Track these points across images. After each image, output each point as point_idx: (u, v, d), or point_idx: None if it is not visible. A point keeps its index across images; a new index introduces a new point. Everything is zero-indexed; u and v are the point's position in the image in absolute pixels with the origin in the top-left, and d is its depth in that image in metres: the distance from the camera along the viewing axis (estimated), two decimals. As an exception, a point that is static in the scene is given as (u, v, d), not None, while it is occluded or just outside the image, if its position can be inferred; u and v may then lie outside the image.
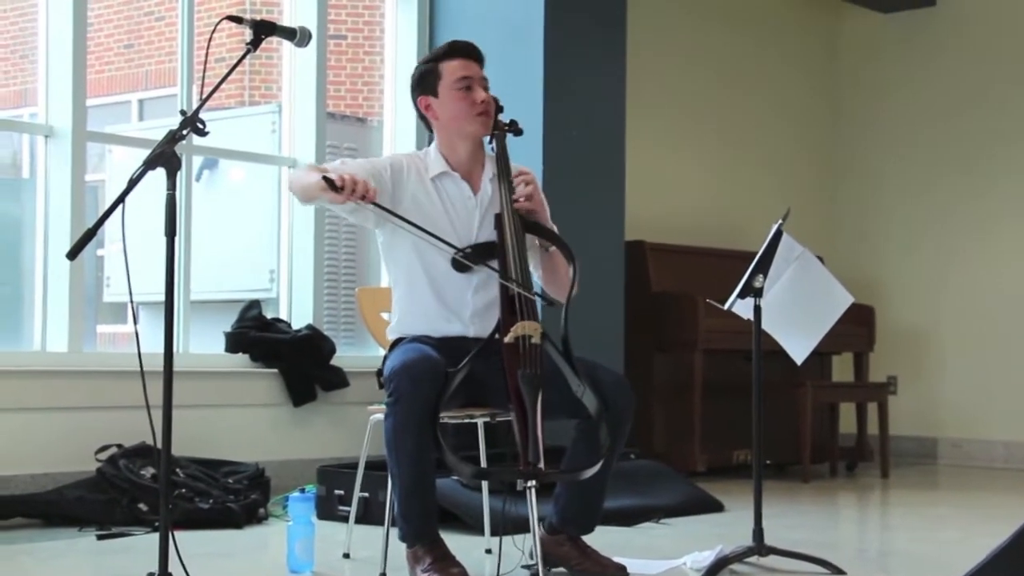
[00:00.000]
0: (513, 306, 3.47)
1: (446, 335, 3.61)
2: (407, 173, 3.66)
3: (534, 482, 3.18)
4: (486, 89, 3.68)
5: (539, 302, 3.49)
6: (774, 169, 7.95)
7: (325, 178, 3.34)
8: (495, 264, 3.52)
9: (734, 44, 7.74)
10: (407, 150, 6.11)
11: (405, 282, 3.68)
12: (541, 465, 3.19)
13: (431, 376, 3.35)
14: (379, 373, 3.63)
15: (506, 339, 3.41)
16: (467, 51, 3.71)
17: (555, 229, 3.71)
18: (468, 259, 3.52)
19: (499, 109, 3.71)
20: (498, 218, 3.61)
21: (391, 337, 3.72)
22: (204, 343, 5.63)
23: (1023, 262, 7.62)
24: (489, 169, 3.71)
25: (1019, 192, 7.65)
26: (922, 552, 4.48)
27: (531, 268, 3.75)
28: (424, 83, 3.70)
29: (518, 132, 3.74)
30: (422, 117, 3.76)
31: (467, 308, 3.64)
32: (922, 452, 7.83)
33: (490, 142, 3.71)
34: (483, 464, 4.06)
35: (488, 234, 3.62)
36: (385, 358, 3.63)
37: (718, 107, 7.63)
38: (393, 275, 3.74)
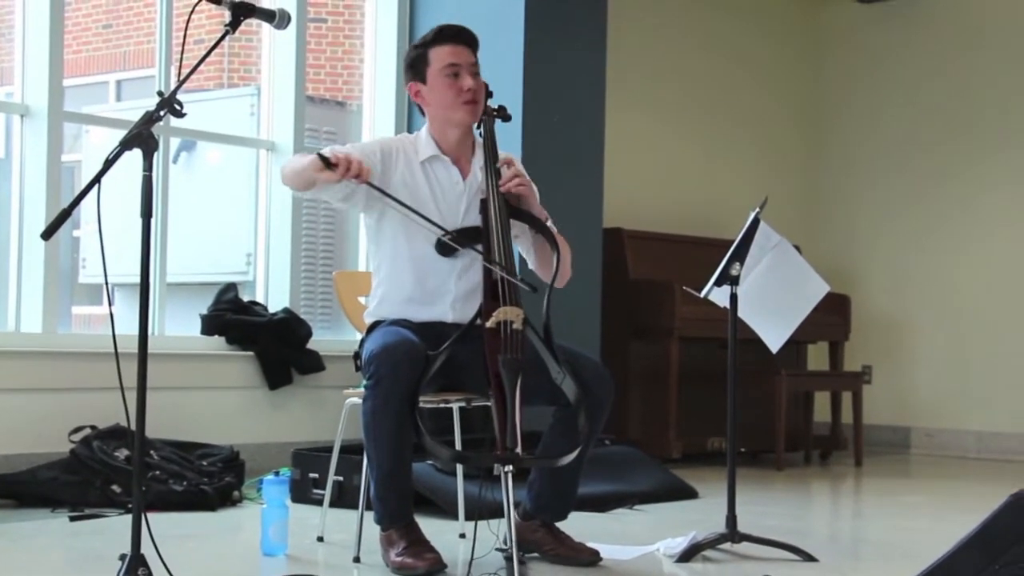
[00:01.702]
0: (496, 291, 3.47)
1: (426, 320, 3.61)
2: (396, 156, 3.65)
3: (511, 467, 3.19)
4: (475, 75, 3.64)
5: (522, 288, 3.49)
6: (752, 158, 7.96)
7: (320, 155, 3.34)
8: (480, 247, 3.52)
9: (716, 33, 7.74)
10: (386, 134, 6.12)
11: (389, 265, 3.67)
12: (519, 451, 3.20)
13: (411, 359, 3.35)
14: (356, 356, 3.62)
15: (488, 324, 3.41)
16: (456, 36, 3.67)
17: (545, 214, 3.71)
18: (453, 241, 3.51)
19: (488, 94, 3.70)
20: (483, 203, 3.60)
21: (369, 320, 3.71)
22: (180, 325, 5.61)
23: (999, 252, 7.66)
24: (479, 155, 3.70)
25: (995, 182, 7.69)
26: (894, 540, 4.51)
27: (523, 252, 3.76)
28: (414, 69, 3.68)
29: (506, 118, 3.73)
30: (415, 103, 3.75)
31: (450, 293, 3.64)
32: (896, 441, 7.88)
33: (477, 127, 3.70)
34: (458, 448, 4.06)
35: (474, 219, 3.61)
36: (362, 341, 3.63)
37: (699, 96, 7.64)
38: (376, 258, 3.73)
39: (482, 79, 3.67)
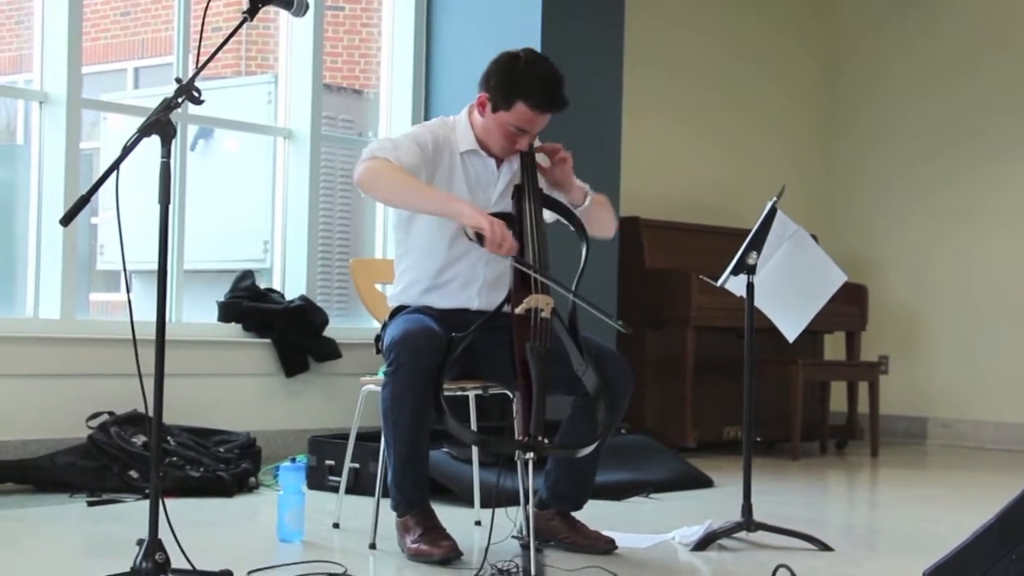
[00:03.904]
0: (527, 278, 3.46)
1: (450, 307, 3.62)
2: (443, 148, 3.62)
3: (532, 454, 3.19)
4: (535, 138, 3.60)
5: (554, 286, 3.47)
6: (769, 148, 7.94)
7: (477, 233, 3.34)
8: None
9: (732, 21, 7.71)
10: (403, 122, 6.12)
11: (419, 252, 3.66)
12: (541, 438, 3.20)
13: (431, 347, 3.36)
14: (377, 339, 3.63)
15: (517, 310, 3.41)
16: (550, 103, 3.54)
17: (585, 187, 3.70)
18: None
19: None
20: (518, 189, 3.58)
21: (392, 305, 3.71)
22: (197, 312, 5.63)
23: (1017, 245, 7.63)
24: (516, 158, 3.66)
25: (1014, 176, 7.65)
26: (910, 530, 4.50)
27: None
28: (496, 91, 3.54)
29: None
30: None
31: (477, 281, 3.64)
32: (912, 432, 7.86)
33: None
34: (473, 437, 4.05)
35: (505, 205, 3.60)
36: (384, 325, 3.64)
37: (716, 85, 7.62)
38: (404, 245, 3.70)
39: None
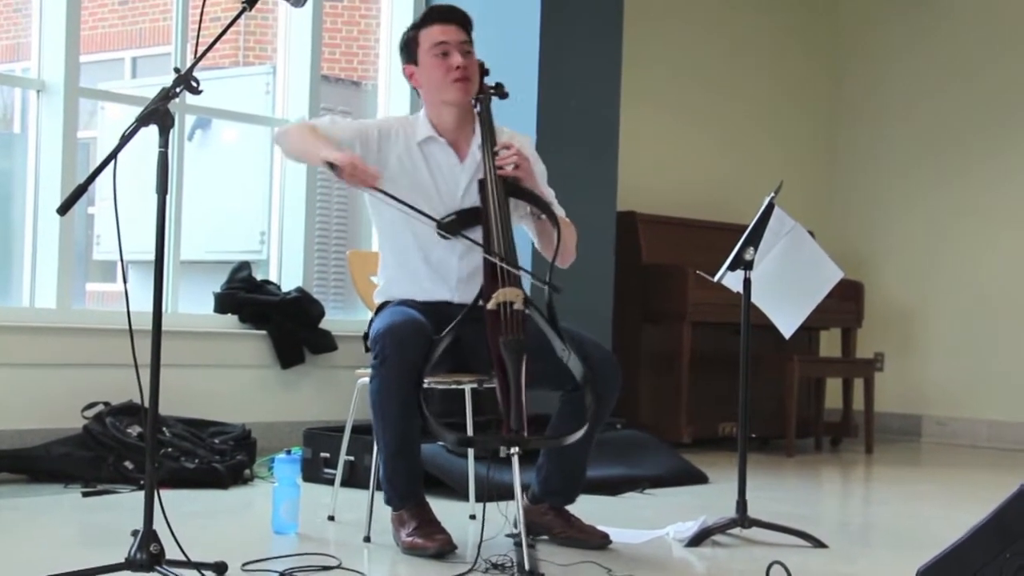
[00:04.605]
0: (495, 273, 3.46)
1: (432, 299, 3.62)
2: (395, 137, 3.65)
3: (517, 449, 3.18)
4: (467, 54, 3.62)
5: (521, 274, 3.47)
6: (767, 143, 7.94)
7: (328, 162, 3.35)
8: (478, 237, 3.50)
9: (731, 16, 7.71)
10: (401, 114, 6.11)
11: (393, 246, 3.69)
12: (524, 432, 3.20)
13: (416, 339, 3.36)
14: (366, 336, 3.63)
15: (488, 305, 3.41)
16: (446, 16, 3.67)
17: (551, 194, 3.70)
18: (449, 231, 3.50)
19: (484, 72, 3.68)
20: (481, 184, 3.58)
21: (378, 300, 3.73)
22: (193, 303, 5.62)
23: (1015, 242, 7.63)
24: (479, 135, 3.69)
25: (1012, 173, 7.65)
26: (904, 527, 4.51)
27: (528, 231, 3.74)
28: (407, 51, 3.69)
29: (503, 95, 3.69)
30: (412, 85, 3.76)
31: (453, 274, 3.64)
32: (907, 429, 7.86)
33: (474, 106, 3.68)
34: (470, 430, 4.06)
35: (473, 200, 3.60)
36: (371, 321, 3.64)
37: (714, 80, 7.61)
38: (381, 239, 3.75)
39: (475, 57, 3.65)
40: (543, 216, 3.63)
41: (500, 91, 3.69)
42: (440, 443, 4.54)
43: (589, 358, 3.45)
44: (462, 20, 3.67)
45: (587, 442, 3.49)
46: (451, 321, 3.45)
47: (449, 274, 3.64)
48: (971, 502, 4.53)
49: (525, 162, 3.60)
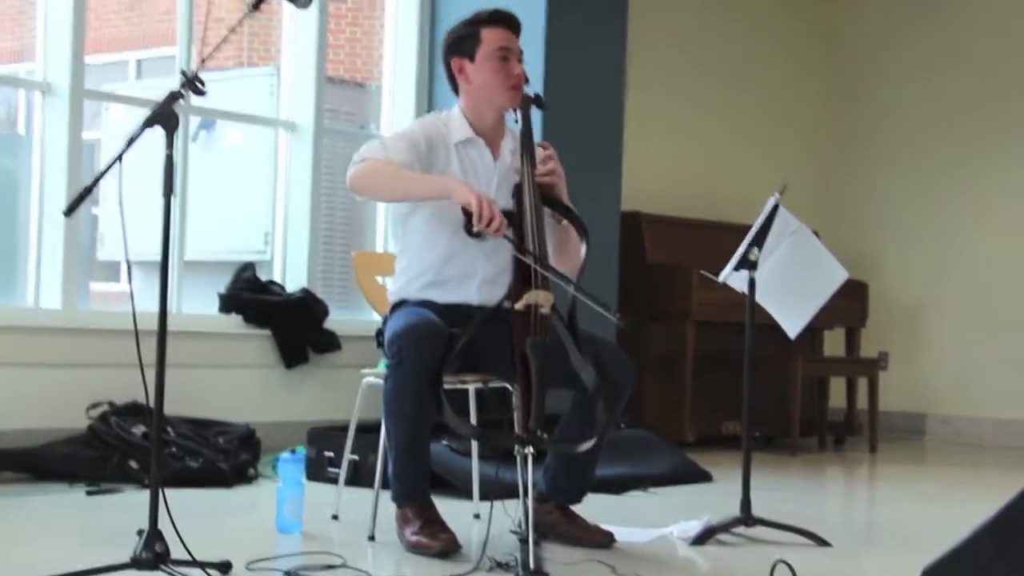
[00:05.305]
0: (527, 274, 3.46)
1: (451, 302, 3.62)
2: (436, 141, 3.64)
3: (531, 449, 3.19)
4: (520, 62, 3.66)
5: (556, 280, 3.48)
6: (771, 144, 7.94)
7: (465, 211, 3.35)
8: (522, 248, 3.48)
9: (737, 18, 7.70)
10: (406, 115, 6.12)
11: (418, 247, 3.66)
12: (541, 434, 3.20)
13: (433, 340, 3.37)
14: (378, 334, 3.64)
15: (516, 305, 3.41)
16: (510, 22, 3.68)
17: (570, 204, 3.71)
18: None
19: (525, 81, 3.70)
20: (518, 188, 3.59)
21: (393, 300, 3.72)
22: (198, 304, 5.63)
23: (1018, 241, 7.62)
24: (509, 140, 3.70)
25: (1016, 170, 7.64)
26: (908, 526, 4.51)
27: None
28: (461, 46, 3.67)
29: (543, 106, 3.72)
30: (451, 79, 3.73)
31: (476, 276, 3.64)
32: (911, 428, 7.86)
33: (514, 112, 3.68)
34: (473, 431, 4.06)
35: (504, 202, 3.60)
36: (385, 320, 3.64)
37: (718, 82, 7.61)
38: (403, 240, 3.72)
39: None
40: (564, 223, 3.66)
41: (540, 101, 3.71)
42: (445, 443, 4.56)
43: (603, 362, 3.45)
44: (520, 29, 3.71)
45: (598, 445, 3.49)
46: (467, 323, 3.45)
47: (473, 275, 3.64)
48: (976, 500, 4.53)
49: (559, 167, 3.64)
